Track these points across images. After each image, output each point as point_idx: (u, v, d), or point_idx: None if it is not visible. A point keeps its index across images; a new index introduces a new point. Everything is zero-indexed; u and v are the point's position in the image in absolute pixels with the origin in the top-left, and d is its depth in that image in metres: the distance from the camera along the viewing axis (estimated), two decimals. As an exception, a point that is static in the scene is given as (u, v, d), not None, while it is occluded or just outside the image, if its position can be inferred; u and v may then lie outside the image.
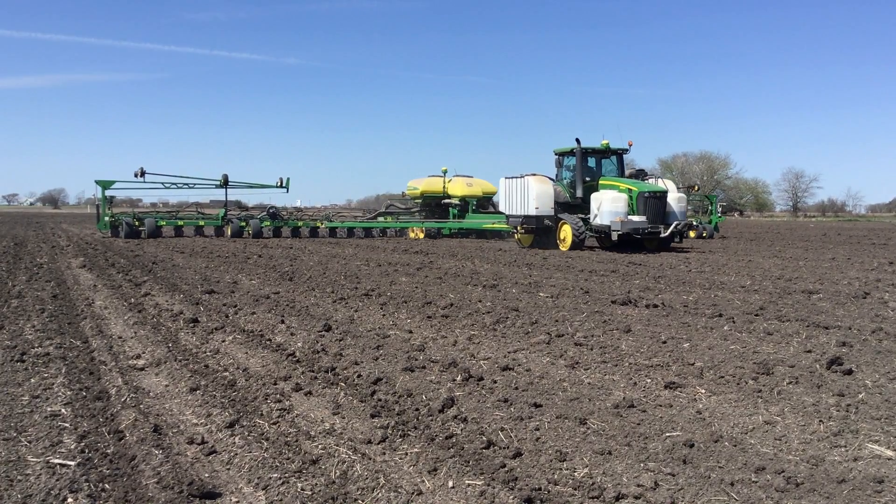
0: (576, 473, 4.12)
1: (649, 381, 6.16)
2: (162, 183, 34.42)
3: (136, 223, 32.14)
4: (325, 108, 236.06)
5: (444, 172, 36.60)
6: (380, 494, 3.92)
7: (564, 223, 24.98)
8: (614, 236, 23.63)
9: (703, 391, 5.81)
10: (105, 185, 32.52)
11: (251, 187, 37.01)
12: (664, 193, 24.18)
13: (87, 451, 4.54)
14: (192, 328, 8.87)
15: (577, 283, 13.50)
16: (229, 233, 33.03)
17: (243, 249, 24.17)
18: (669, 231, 23.46)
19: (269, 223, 34.67)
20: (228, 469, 4.31)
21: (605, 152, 26.16)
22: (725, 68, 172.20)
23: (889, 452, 4.44)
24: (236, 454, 4.52)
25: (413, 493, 3.93)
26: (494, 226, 32.23)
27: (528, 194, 25.47)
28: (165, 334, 8.49)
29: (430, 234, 34.86)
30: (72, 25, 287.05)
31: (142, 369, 6.83)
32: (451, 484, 4.04)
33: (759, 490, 3.89)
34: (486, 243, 29.61)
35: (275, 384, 6.15)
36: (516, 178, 26.43)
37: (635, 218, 23.40)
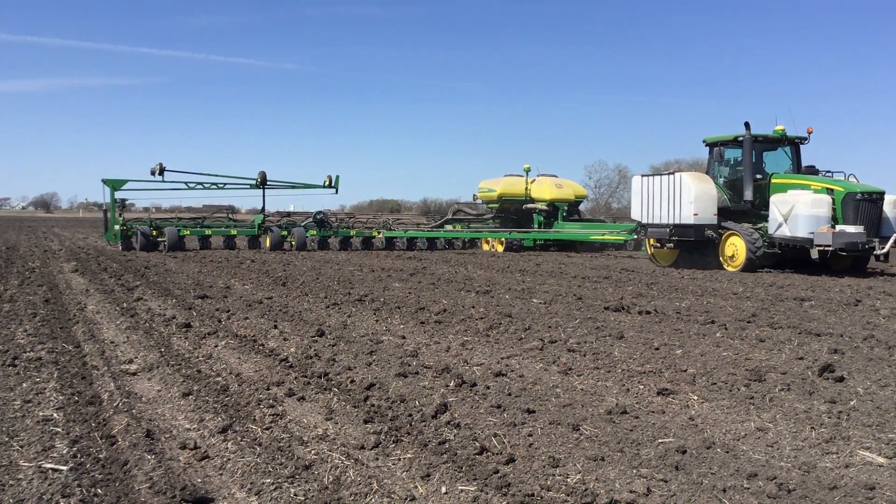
0: (569, 479, 4.13)
1: (642, 387, 6.17)
2: (185, 183, 27.70)
3: (154, 232, 26.01)
4: (325, 111, 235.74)
5: (527, 171, 31.06)
6: (373, 500, 3.92)
7: (733, 234, 18.99)
8: (815, 253, 18.29)
9: (696, 398, 5.83)
10: (115, 185, 26.34)
11: (293, 187, 29.97)
12: (881, 195, 18.03)
13: (79, 455, 4.52)
14: (185, 333, 8.85)
15: (570, 290, 13.52)
16: (268, 244, 27.20)
17: (236, 255, 24.16)
18: (888, 246, 17.37)
19: (315, 232, 28.60)
20: (221, 474, 4.30)
21: (778, 141, 20.07)
22: (719, 74, 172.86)
23: (880, 459, 4.46)
24: (229, 459, 4.51)
25: (406, 499, 3.93)
26: (605, 237, 25.99)
27: (683, 196, 19.39)
28: (158, 339, 8.47)
29: (510, 247, 28.51)
30: (68, 29, 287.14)
31: (134, 374, 6.81)
32: (444, 490, 4.04)
33: (751, 496, 3.91)
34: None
35: (268, 389, 6.15)
36: (661, 175, 20.49)
37: (850, 228, 17.18)
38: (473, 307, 10.91)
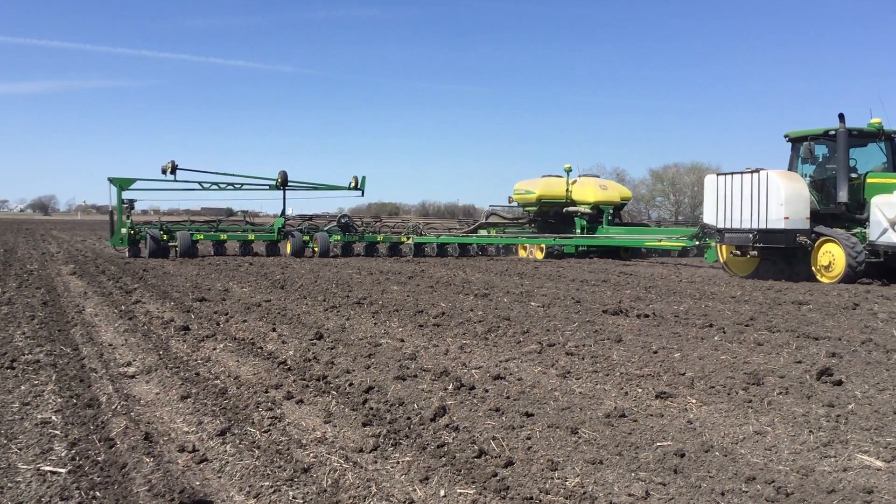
0: (567, 483, 4.13)
1: (640, 390, 6.18)
2: (199, 183, 25.43)
3: (165, 237, 23.82)
4: (323, 116, 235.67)
5: (568, 172, 28.53)
6: (371, 503, 3.92)
7: (829, 241, 16.70)
8: None
9: (694, 401, 5.83)
10: (122, 184, 24.09)
11: (315, 188, 27.42)
12: None
13: (77, 458, 4.52)
14: (183, 336, 8.85)
15: (568, 293, 13.53)
16: (288, 250, 25.37)
17: (234, 257, 24.14)
18: None
19: (339, 237, 26.54)
20: (220, 477, 4.30)
21: (872, 136, 17.89)
22: (716, 79, 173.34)
23: (878, 463, 4.46)
24: (228, 462, 4.51)
25: (405, 502, 3.93)
26: (663, 243, 23.10)
27: (771, 197, 17.09)
28: (156, 342, 8.47)
29: (551, 253, 26.30)
30: (67, 31, 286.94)
31: (133, 377, 6.81)
32: (442, 493, 4.04)
33: (749, 500, 3.91)
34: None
35: (266, 392, 6.14)
36: (743, 173, 17.93)
37: None
38: (472, 310, 10.92)
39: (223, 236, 25.40)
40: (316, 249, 25.24)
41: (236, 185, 26.02)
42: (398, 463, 4.49)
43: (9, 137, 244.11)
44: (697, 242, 20.56)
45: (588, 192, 27.78)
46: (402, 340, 8.51)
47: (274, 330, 9.18)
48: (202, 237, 24.80)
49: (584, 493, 3.99)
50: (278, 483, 4.15)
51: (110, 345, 8.33)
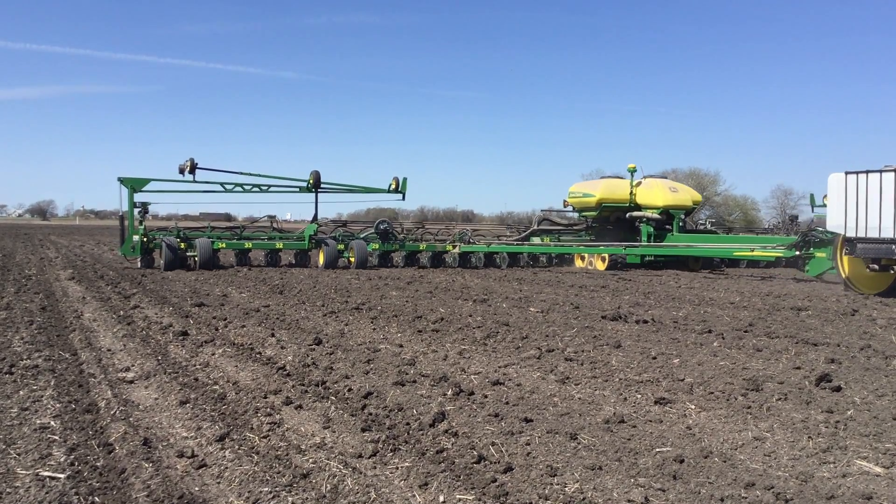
0: (566, 488, 4.13)
1: (639, 396, 6.18)
2: (221, 184, 22.31)
3: (182, 246, 21.10)
4: (323, 118, 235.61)
5: (632, 172, 25.40)
6: (371, 509, 3.92)
7: None
8: None
9: (693, 407, 5.84)
10: (134, 185, 20.97)
11: (351, 191, 24.29)
12: None
13: (76, 463, 4.52)
14: (182, 341, 8.84)
15: (567, 299, 13.53)
16: (321, 260, 22.12)
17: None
18: None
19: (377, 245, 23.51)
20: (219, 483, 4.29)
21: None
22: (716, 85, 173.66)
23: (877, 469, 4.46)
24: (226, 468, 4.50)
25: (404, 508, 3.93)
26: (755, 253, 19.78)
27: None
28: (155, 347, 8.46)
29: (615, 264, 23.33)
30: (67, 37, 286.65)
31: (131, 382, 6.80)
32: (441, 498, 4.04)
33: (748, 506, 3.91)
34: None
35: (265, 398, 6.14)
36: (882, 172, 14.79)
37: None
38: (471, 316, 10.92)
39: (248, 245, 22.48)
40: (352, 260, 22.16)
41: (262, 187, 22.98)
42: (397, 468, 4.49)
43: (8, 142, 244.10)
44: (798, 252, 18.18)
45: (656, 194, 24.74)
46: (401, 346, 8.51)
47: (273, 335, 9.18)
48: (223, 245, 21.96)
49: (584, 498, 3.99)
50: (277, 489, 4.15)
51: (109, 350, 8.32)
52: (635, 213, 24.85)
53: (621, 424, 5.32)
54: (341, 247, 22.59)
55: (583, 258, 24.50)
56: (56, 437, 5.04)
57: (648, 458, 4.61)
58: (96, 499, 4.00)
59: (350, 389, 6.35)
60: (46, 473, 4.35)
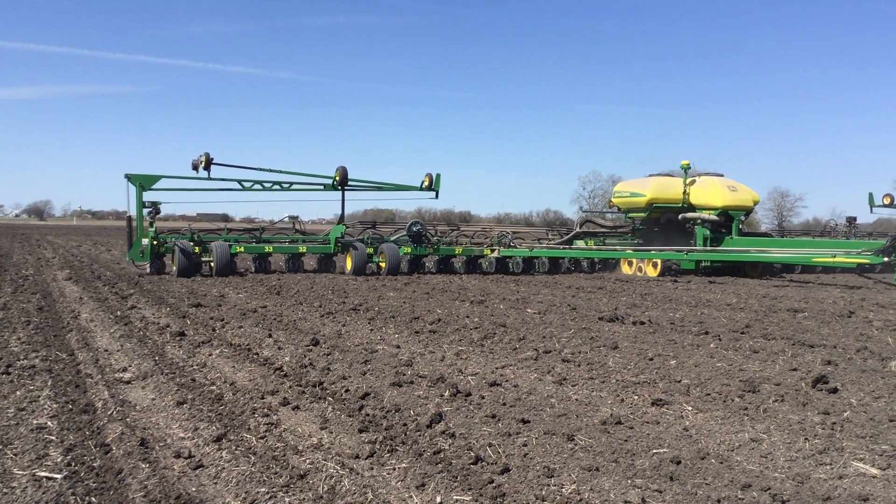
0: (563, 490, 4.13)
1: (636, 397, 6.18)
2: (238, 181, 20.26)
3: (197, 250, 18.88)
4: (322, 120, 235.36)
5: (685, 169, 23.18)
6: (368, 509, 3.92)
7: None
8: None
9: (690, 408, 5.84)
10: (143, 182, 19.09)
11: (380, 189, 22.18)
12: None
13: (73, 464, 4.51)
14: (179, 341, 8.84)
15: (564, 300, 13.54)
16: (349, 266, 19.96)
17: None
18: None
19: (409, 249, 21.24)
20: (216, 483, 4.29)
21: None
22: (713, 86, 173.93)
23: (874, 470, 4.47)
24: (223, 468, 4.50)
25: (401, 509, 3.93)
26: (837, 259, 17.96)
27: None
28: (152, 347, 8.46)
29: (668, 269, 21.56)
30: (65, 37, 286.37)
31: (128, 382, 6.79)
32: (438, 499, 4.04)
33: (745, 507, 3.92)
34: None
35: (262, 398, 6.14)
36: None
37: None
38: (468, 317, 10.92)
39: (268, 248, 20.27)
40: (383, 265, 20.29)
41: (284, 185, 20.99)
42: (394, 469, 4.49)
43: (5, 142, 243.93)
44: (886, 259, 16.92)
45: (714, 194, 22.42)
46: (399, 347, 8.51)
47: (270, 336, 9.17)
48: (242, 249, 19.74)
49: (581, 499, 3.99)
50: (274, 489, 4.15)
51: (106, 350, 8.32)
52: (689, 215, 22.78)
53: (618, 425, 5.33)
54: (370, 250, 20.42)
55: (630, 264, 22.49)
56: (53, 438, 5.04)
57: (645, 460, 4.62)
58: (93, 499, 4.00)
59: (347, 390, 6.35)
60: (43, 474, 4.34)
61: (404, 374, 6.94)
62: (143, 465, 4.52)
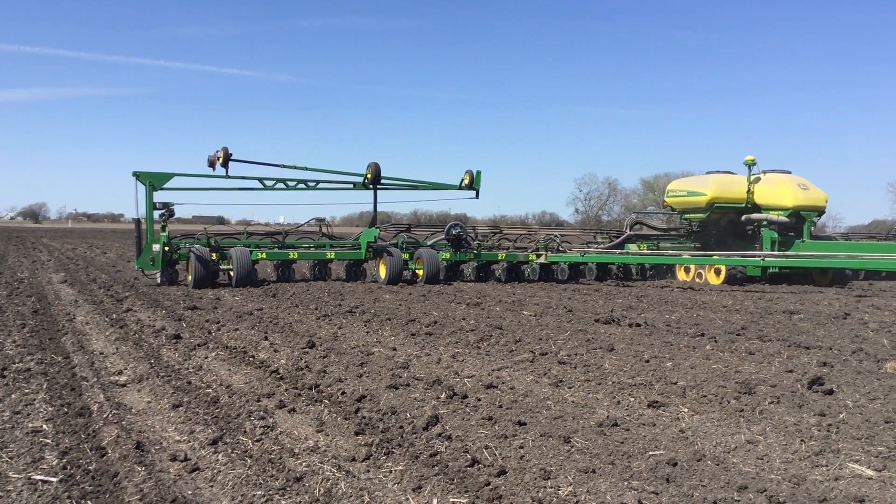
0: (560, 492, 4.13)
1: (633, 399, 6.19)
2: (259, 180, 18.39)
3: (214, 257, 16.89)
4: (320, 121, 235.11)
5: (749, 165, 21.00)
6: (364, 512, 3.91)
7: None
8: None
9: (686, 410, 5.85)
10: (156, 180, 17.05)
11: (415, 187, 20.18)
12: None
13: (69, 467, 4.50)
14: (175, 344, 8.82)
15: (560, 302, 13.55)
16: (383, 273, 18.09)
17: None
18: None
19: (448, 255, 19.35)
20: (212, 486, 4.28)
21: None
22: (707, 89, 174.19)
23: (869, 472, 4.48)
24: (220, 471, 4.50)
25: (398, 511, 3.92)
26: None
27: None
28: (147, 350, 8.44)
29: (733, 278, 19.47)
30: (60, 39, 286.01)
31: (124, 385, 6.78)
32: (435, 502, 4.04)
33: (741, 509, 3.92)
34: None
35: (258, 401, 6.13)
36: None
37: None
38: (464, 319, 10.92)
39: (293, 255, 18.10)
40: (420, 273, 18.39)
41: (309, 184, 18.96)
42: (391, 472, 4.49)
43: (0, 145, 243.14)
44: None
45: (784, 193, 20.31)
46: (395, 349, 8.51)
47: (266, 338, 9.16)
48: (264, 256, 17.72)
49: (577, 501, 4.00)
50: (270, 492, 4.14)
51: (101, 353, 8.30)
52: (755, 216, 20.89)
53: (614, 427, 5.33)
54: (406, 256, 18.62)
55: (687, 270, 20.72)
56: (48, 441, 5.02)
57: (641, 462, 4.62)
58: (89, 502, 3.99)
59: (343, 393, 6.35)
60: (39, 477, 4.33)
61: (400, 377, 6.94)
62: (139, 469, 4.51)
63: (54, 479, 4.29)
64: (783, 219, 20.14)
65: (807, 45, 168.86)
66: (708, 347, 8.60)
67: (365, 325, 10.36)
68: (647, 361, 7.70)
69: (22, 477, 4.34)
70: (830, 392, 6.37)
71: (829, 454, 4.80)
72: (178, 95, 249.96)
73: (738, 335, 9.54)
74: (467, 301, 13.50)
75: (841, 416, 5.66)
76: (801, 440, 5.08)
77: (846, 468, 4.56)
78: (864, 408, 5.92)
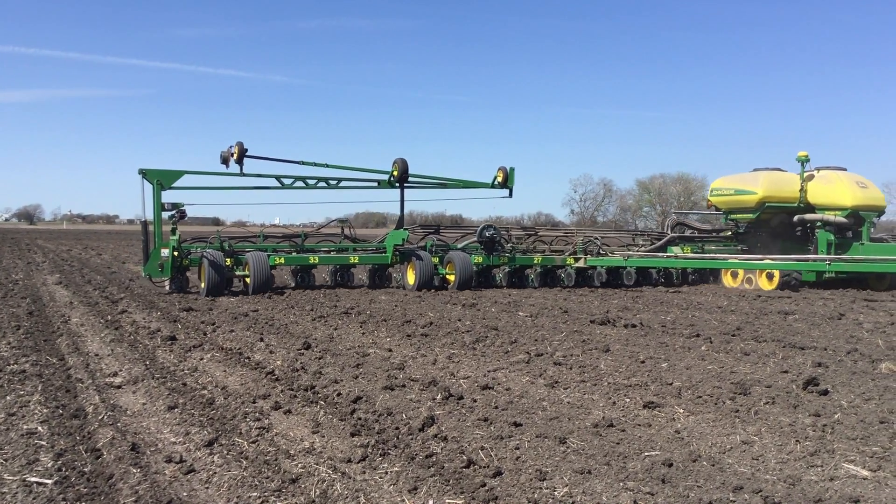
0: (556, 493, 4.13)
1: (628, 400, 6.19)
2: (277, 178, 17.25)
3: (228, 262, 15.66)
4: (318, 122, 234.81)
5: (802, 162, 19.63)
6: (360, 513, 3.91)
7: None
8: None
9: (682, 411, 5.86)
10: (163, 179, 15.71)
11: (445, 186, 19.06)
12: None
13: (64, 469, 4.49)
14: (170, 346, 8.81)
15: (555, 303, 13.56)
16: (411, 279, 16.79)
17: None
18: None
19: (481, 259, 17.92)
20: (207, 488, 4.28)
21: None
22: (703, 91, 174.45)
23: (864, 472, 4.49)
24: (215, 473, 4.49)
25: (393, 513, 3.92)
26: None
27: None
28: (143, 352, 8.43)
29: (787, 283, 17.64)
30: (56, 40, 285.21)
31: (119, 387, 6.77)
32: (431, 503, 4.04)
33: (736, 509, 3.92)
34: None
35: (254, 402, 6.12)
36: None
37: None
38: (460, 320, 10.93)
39: (314, 259, 16.87)
40: (451, 278, 17.23)
41: (331, 182, 17.74)
42: (386, 473, 4.48)
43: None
44: None
45: (841, 192, 18.91)
46: (390, 350, 8.51)
47: (261, 340, 9.16)
48: (282, 261, 16.55)
49: (573, 502, 4.00)
50: (266, 494, 4.14)
51: (96, 355, 8.28)
52: (809, 216, 19.37)
53: (610, 428, 5.34)
54: (436, 259, 17.32)
55: (735, 275, 18.84)
56: (43, 443, 5.01)
57: (637, 462, 4.62)
58: (84, 504, 3.98)
59: (339, 394, 6.34)
60: (33, 479, 4.32)
61: (396, 378, 6.93)
62: (135, 470, 4.50)
63: (49, 481, 4.28)
64: (841, 219, 18.72)
65: (805, 46, 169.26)
66: (703, 348, 8.61)
67: (360, 327, 10.36)
68: (643, 362, 7.70)
69: (17, 479, 4.32)
70: (825, 392, 6.38)
71: (824, 454, 4.81)
72: (175, 97, 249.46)
73: (733, 336, 9.55)
74: (462, 302, 13.51)
75: (836, 416, 5.67)
76: (797, 440, 5.09)
77: (841, 468, 4.57)
78: (859, 408, 5.93)
